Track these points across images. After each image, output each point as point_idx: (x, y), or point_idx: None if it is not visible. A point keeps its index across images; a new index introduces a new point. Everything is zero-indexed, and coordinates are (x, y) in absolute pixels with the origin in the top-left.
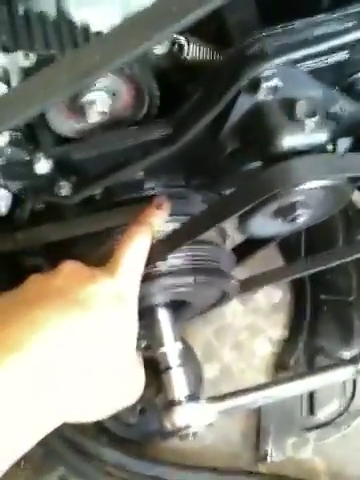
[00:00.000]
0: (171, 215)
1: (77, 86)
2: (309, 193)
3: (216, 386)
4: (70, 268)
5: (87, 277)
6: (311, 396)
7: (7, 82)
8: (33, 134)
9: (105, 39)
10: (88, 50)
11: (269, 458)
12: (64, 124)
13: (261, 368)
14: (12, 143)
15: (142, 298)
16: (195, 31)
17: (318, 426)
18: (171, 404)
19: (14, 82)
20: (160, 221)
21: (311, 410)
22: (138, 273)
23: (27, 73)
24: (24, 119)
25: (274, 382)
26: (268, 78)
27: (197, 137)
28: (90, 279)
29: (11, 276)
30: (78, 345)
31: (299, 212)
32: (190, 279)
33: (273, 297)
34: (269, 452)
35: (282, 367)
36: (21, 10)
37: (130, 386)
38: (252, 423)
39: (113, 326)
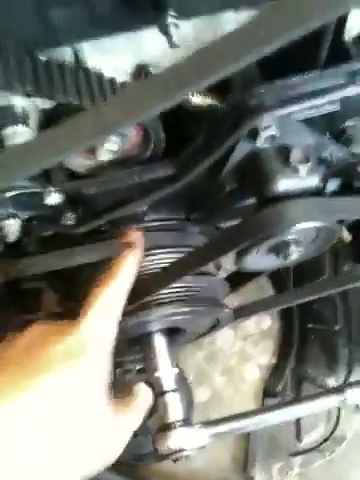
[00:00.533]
0: (170, 246)
1: (99, 138)
2: (301, 233)
3: (206, 410)
4: (34, 332)
5: (48, 340)
6: (297, 422)
7: (26, 122)
8: (46, 169)
9: (127, 96)
10: (111, 106)
11: None
12: (76, 161)
13: (250, 393)
14: (27, 177)
15: (139, 325)
16: None
17: (303, 451)
18: (165, 428)
19: (32, 123)
20: (135, 259)
21: (297, 436)
22: (111, 318)
23: (45, 115)
24: (47, 166)
25: (263, 409)
26: (266, 128)
27: (198, 177)
28: (51, 342)
29: (12, 299)
30: (42, 410)
31: (292, 250)
32: (186, 308)
33: (262, 325)
34: (256, 476)
35: (270, 393)
36: (42, 59)
37: (105, 445)
38: (241, 448)
39: (76, 387)
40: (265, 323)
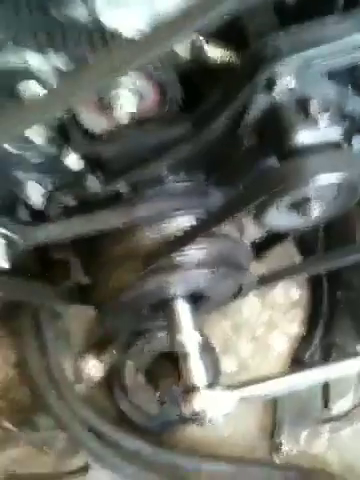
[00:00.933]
0: (190, 209)
1: (109, 79)
2: (322, 188)
3: (233, 379)
4: None
5: None
6: (326, 390)
7: (40, 80)
8: (66, 132)
9: (135, 42)
10: (120, 50)
11: (283, 449)
12: (94, 122)
13: (277, 363)
14: (48, 141)
15: (162, 289)
16: (215, 34)
17: (332, 419)
18: (189, 390)
19: (49, 82)
20: None
21: (325, 403)
22: None
23: (60, 75)
24: (59, 112)
25: (290, 372)
26: (283, 77)
27: (216, 134)
28: None
29: (42, 269)
30: None
31: (313, 205)
32: (209, 270)
33: (291, 293)
34: (283, 443)
35: (298, 362)
36: (55, 14)
37: None
38: (268, 417)
39: None
40: (293, 292)
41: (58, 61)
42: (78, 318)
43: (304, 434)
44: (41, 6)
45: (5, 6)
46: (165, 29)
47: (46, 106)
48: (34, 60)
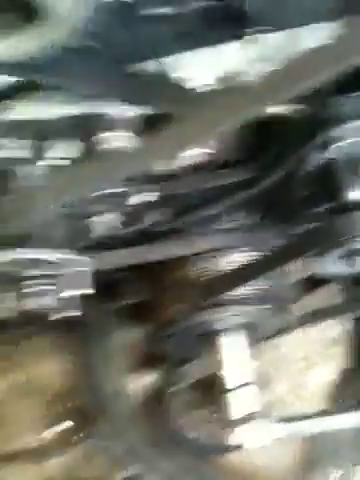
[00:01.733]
0: (243, 248)
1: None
2: None
3: (268, 414)
4: None
5: None
6: None
7: (116, 128)
8: None
9: (216, 105)
10: (195, 119)
11: None
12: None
13: (314, 400)
14: None
15: (205, 323)
16: None
17: None
18: (230, 423)
19: (126, 127)
20: None
21: None
22: None
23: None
24: (138, 169)
25: (331, 412)
26: (338, 139)
27: (274, 182)
28: None
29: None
30: None
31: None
32: (257, 307)
33: (331, 331)
34: None
35: (337, 400)
36: (131, 69)
37: None
38: (303, 451)
39: None
40: (334, 330)
41: (134, 114)
42: (127, 336)
43: (338, 475)
44: (119, 61)
45: (85, 60)
46: (257, 93)
47: (126, 165)
48: (111, 111)
